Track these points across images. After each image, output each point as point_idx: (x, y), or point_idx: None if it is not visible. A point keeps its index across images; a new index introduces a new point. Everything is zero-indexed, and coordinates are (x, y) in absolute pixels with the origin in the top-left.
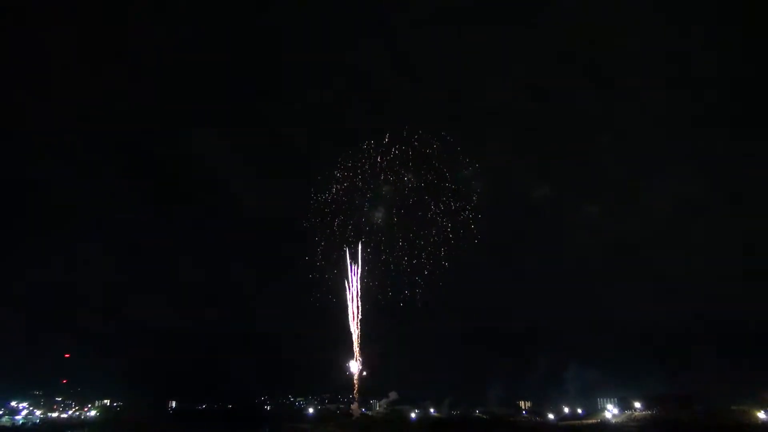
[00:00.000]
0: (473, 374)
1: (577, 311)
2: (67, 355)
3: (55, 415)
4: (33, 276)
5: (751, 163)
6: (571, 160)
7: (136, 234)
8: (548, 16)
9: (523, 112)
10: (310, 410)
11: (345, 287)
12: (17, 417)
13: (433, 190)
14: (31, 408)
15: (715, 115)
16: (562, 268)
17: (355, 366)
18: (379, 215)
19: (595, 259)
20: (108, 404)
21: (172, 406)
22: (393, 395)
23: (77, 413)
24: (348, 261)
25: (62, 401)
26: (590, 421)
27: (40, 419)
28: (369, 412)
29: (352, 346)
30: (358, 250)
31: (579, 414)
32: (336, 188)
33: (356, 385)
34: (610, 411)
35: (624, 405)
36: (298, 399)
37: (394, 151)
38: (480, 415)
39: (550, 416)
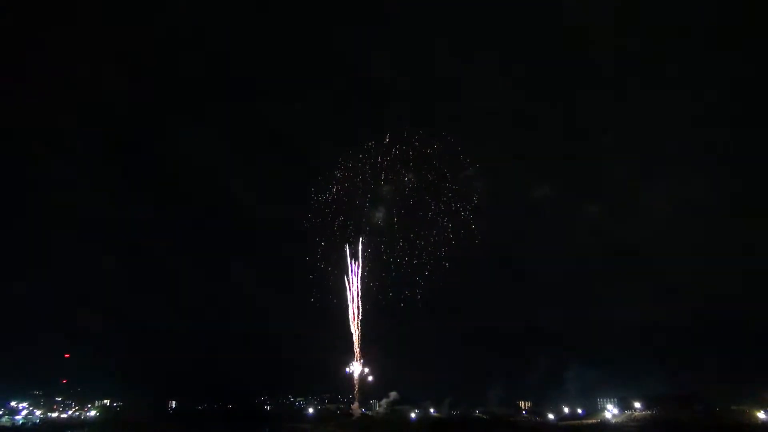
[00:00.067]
0: (473, 374)
1: (577, 311)
2: (67, 355)
3: (55, 415)
4: (33, 276)
5: (751, 163)
6: (571, 160)
7: (136, 234)
8: (548, 16)
9: (523, 112)
10: (310, 410)
11: (345, 287)
12: (17, 417)
13: (434, 190)
14: (31, 408)
15: (715, 115)
16: (562, 268)
17: (355, 366)
18: (379, 215)
19: (595, 259)
20: (108, 404)
21: (172, 406)
22: (393, 395)
23: (77, 413)
24: (348, 261)
25: (62, 401)
26: (590, 421)
27: (40, 419)
28: (369, 412)
29: (353, 346)
30: (358, 250)
31: (579, 414)
32: (336, 188)
33: (356, 385)
34: (610, 411)
35: (624, 405)
36: (298, 399)
37: (395, 152)
38: (480, 415)
39: (550, 416)
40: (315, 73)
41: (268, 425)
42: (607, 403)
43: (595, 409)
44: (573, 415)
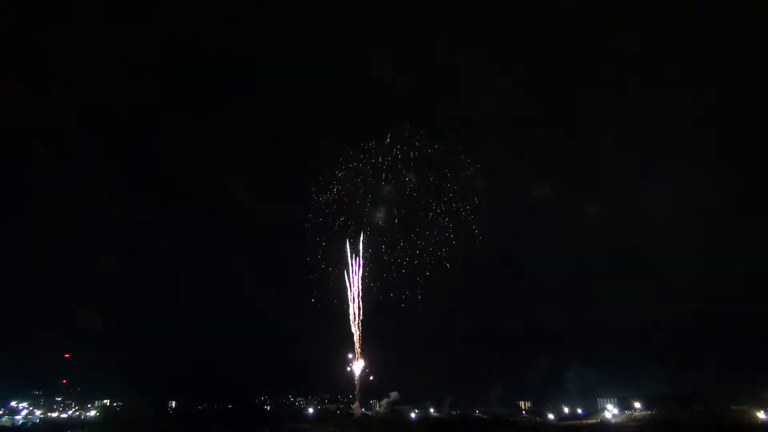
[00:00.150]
0: (473, 374)
1: (577, 311)
2: (67, 355)
3: (55, 415)
4: (33, 276)
5: (751, 163)
6: (571, 160)
7: (136, 234)
8: (549, 16)
9: (523, 112)
10: (310, 410)
11: (346, 287)
12: (17, 417)
13: (434, 190)
14: (31, 408)
15: (715, 115)
16: (562, 268)
17: (356, 366)
18: (380, 215)
19: (595, 259)
20: (108, 404)
21: (172, 406)
22: (393, 395)
23: (77, 413)
24: (349, 261)
25: (62, 401)
26: (590, 421)
27: (40, 419)
28: (369, 412)
29: (353, 346)
30: (359, 250)
31: (579, 414)
32: (337, 188)
33: (357, 385)
34: (610, 411)
35: (624, 405)
36: (298, 399)
37: (395, 152)
38: (480, 415)
39: (550, 416)
40: (315, 73)
41: (268, 425)
42: (607, 403)
43: (595, 409)
44: (573, 415)
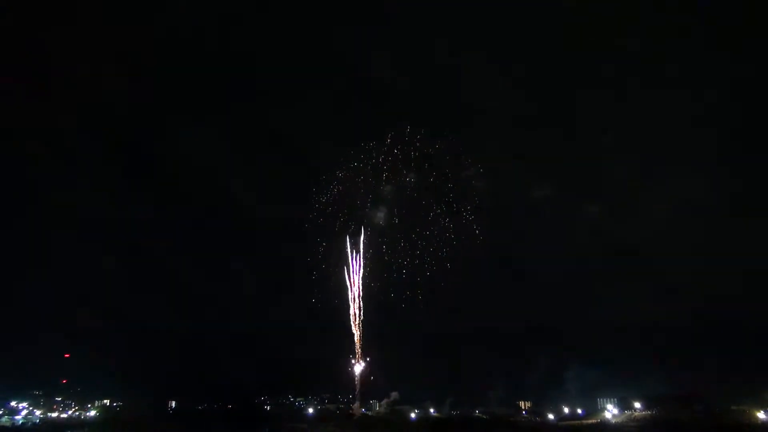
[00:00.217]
0: (473, 374)
1: (577, 311)
2: (67, 355)
3: (55, 415)
4: (33, 276)
5: (751, 163)
6: (571, 160)
7: (136, 234)
8: (549, 16)
9: (523, 112)
10: (310, 410)
11: (346, 287)
12: (17, 417)
13: (435, 190)
14: (31, 408)
15: (715, 115)
16: (562, 268)
17: (356, 366)
18: (380, 215)
19: (595, 259)
20: (108, 404)
21: (172, 406)
22: (394, 395)
23: (77, 413)
24: (350, 261)
25: (62, 401)
26: (590, 421)
27: (40, 419)
28: (369, 412)
29: (354, 346)
30: (359, 250)
31: (579, 414)
32: (337, 188)
33: (357, 385)
34: (610, 411)
35: (624, 405)
36: (298, 399)
37: (396, 152)
38: (480, 415)
39: (550, 416)
40: (315, 73)
41: (268, 425)
42: (607, 403)
43: (595, 409)
44: (573, 415)
